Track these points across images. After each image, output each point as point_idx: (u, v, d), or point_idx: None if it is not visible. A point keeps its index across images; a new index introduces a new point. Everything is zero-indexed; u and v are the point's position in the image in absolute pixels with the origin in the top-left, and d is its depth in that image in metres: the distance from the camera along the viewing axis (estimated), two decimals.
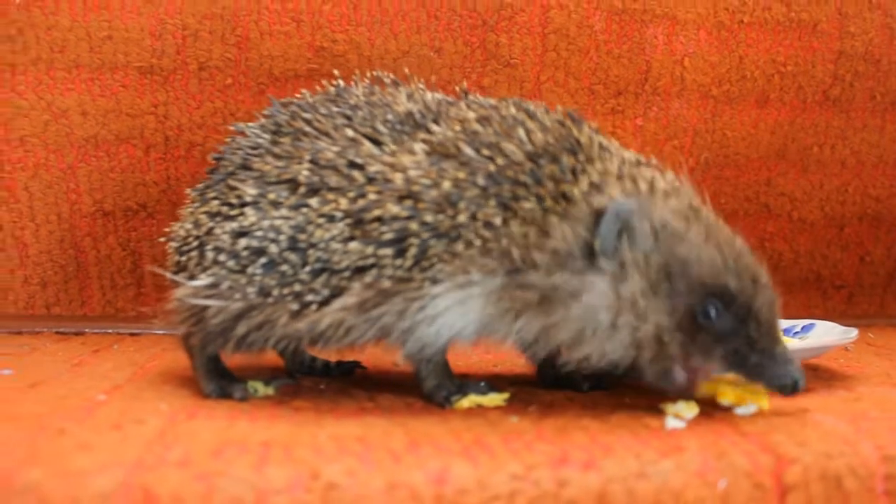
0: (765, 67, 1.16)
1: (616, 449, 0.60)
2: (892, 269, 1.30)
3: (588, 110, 1.13)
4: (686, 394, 0.69)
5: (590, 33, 1.11)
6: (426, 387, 0.73)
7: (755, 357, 0.67)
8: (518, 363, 0.86)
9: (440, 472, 0.55)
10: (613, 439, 0.62)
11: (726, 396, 0.71)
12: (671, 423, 0.66)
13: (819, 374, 0.87)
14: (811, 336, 0.94)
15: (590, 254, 0.67)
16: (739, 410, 0.70)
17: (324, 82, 0.82)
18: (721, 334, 0.67)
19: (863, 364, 0.93)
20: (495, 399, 0.72)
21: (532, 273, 0.67)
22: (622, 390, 0.78)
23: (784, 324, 0.97)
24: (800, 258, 1.26)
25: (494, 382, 0.75)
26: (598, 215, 0.67)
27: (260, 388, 0.77)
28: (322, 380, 0.84)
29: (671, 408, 0.68)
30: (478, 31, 1.08)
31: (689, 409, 0.68)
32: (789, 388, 0.67)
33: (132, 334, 1.09)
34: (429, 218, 0.67)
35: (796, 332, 0.96)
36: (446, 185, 0.68)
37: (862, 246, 1.28)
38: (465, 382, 0.73)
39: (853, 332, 0.89)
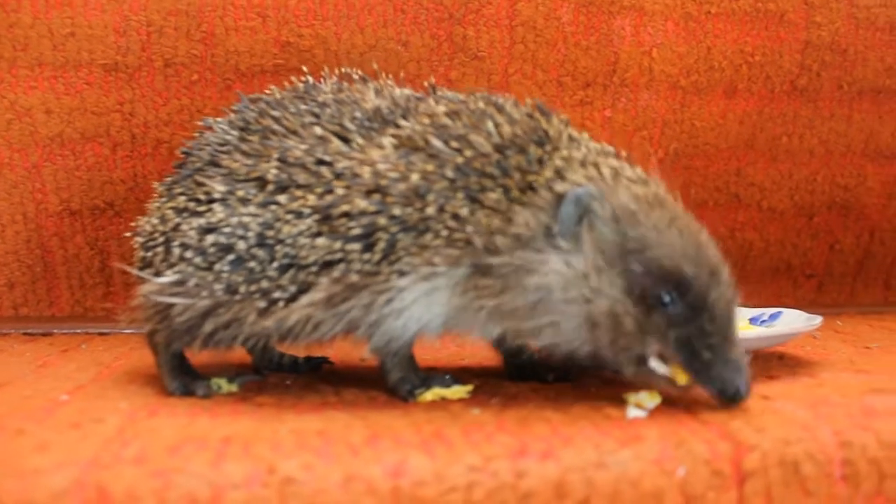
0: (732, 58, 1.17)
1: (576, 439, 0.60)
2: (862, 257, 1.31)
3: (556, 102, 1.13)
4: (669, 386, 0.68)
5: (557, 25, 1.11)
6: (390, 380, 0.73)
7: (707, 353, 0.65)
8: (486, 356, 0.86)
9: (397, 464, 0.55)
10: (574, 430, 0.62)
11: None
12: (632, 412, 0.66)
13: (785, 362, 0.88)
14: (778, 324, 0.95)
15: (550, 236, 0.67)
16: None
17: (291, 78, 0.82)
18: (675, 320, 0.66)
19: (829, 351, 0.94)
20: (459, 391, 0.72)
21: (494, 257, 0.67)
22: (587, 381, 0.79)
23: (751, 312, 0.98)
24: (770, 247, 1.27)
25: (460, 375, 0.75)
26: (560, 200, 0.67)
27: (224, 384, 0.77)
28: (289, 376, 0.83)
29: (633, 397, 0.69)
30: (445, 25, 1.08)
31: (650, 399, 0.68)
32: (728, 396, 0.65)
33: (101, 334, 1.08)
34: (397, 211, 0.67)
35: (763, 321, 0.97)
36: (415, 177, 0.68)
37: (831, 234, 1.29)
38: (430, 376, 0.73)
39: (817, 320, 0.90)
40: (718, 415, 0.65)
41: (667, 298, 0.66)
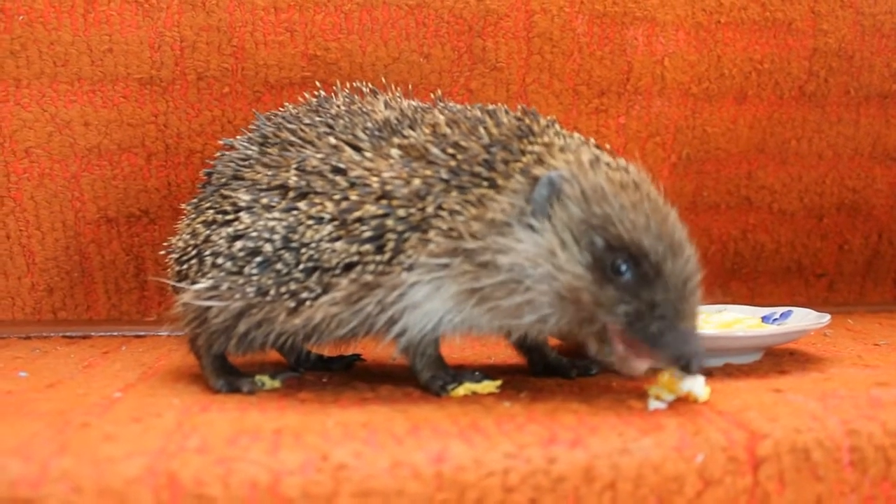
0: (742, 65, 1.20)
1: (601, 428, 0.64)
2: (870, 256, 1.34)
3: (573, 110, 1.17)
4: (628, 370, 0.70)
5: (573, 36, 1.14)
6: (422, 378, 0.77)
7: (655, 325, 0.67)
8: (510, 355, 0.90)
9: (439, 452, 0.60)
10: (599, 420, 0.66)
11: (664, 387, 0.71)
12: (653, 404, 0.70)
13: (796, 357, 0.91)
14: (788, 322, 0.99)
15: (524, 217, 0.70)
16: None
17: (314, 92, 0.86)
18: (625, 291, 0.68)
19: (839, 348, 0.97)
20: (488, 386, 0.76)
21: (474, 243, 0.70)
22: (609, 377, 0.82)
23: (763, 311, 1.02)
24: (781, 248, 1.30)
25: (488, 372, 0.79)
26: (535, 183, 0.71)
27: (266, 381, 0.81)
28: (324, 374, 0.88)
29: (654, 390, 0.72)
30: (465, 37, 1.12)
31: (670, 392, 0.72)
32: (682, 363, 0.67)
33: (137, 336, 1.12)
34: (402, 213, 0.72)
35: (775, 319, 1.00)
36: (416, 182, 0.73)
37: (840, 235, 1.32)
38: (459, 372, 0.77)
39: (825, 318, 0.93)
40: (733, 405, 0.69)
41: (622, 268, 0.68)
